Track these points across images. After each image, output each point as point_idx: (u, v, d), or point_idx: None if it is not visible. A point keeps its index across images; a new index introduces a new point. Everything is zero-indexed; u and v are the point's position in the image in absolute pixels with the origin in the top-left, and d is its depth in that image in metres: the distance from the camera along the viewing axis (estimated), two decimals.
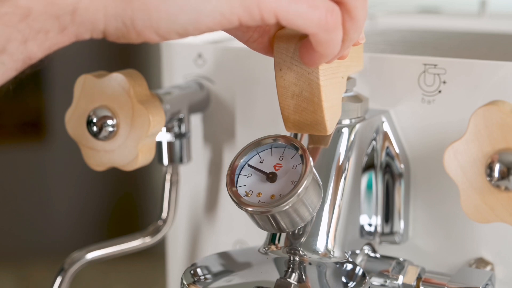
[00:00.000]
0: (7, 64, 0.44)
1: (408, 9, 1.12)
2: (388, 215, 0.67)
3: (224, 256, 0.63)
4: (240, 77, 0.73)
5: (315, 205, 0.56)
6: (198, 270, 0.60)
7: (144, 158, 0.66)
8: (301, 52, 0.53)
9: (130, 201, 2.39)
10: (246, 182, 0.57)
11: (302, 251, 0.59)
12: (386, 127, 0.66)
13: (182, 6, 0.46)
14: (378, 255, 0.66)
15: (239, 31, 0.54)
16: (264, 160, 0.57)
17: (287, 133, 0.62)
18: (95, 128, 0.65)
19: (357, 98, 0.62)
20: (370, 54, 0.67)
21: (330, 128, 0.58)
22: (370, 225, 0.66)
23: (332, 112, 0.58)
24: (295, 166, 0.56)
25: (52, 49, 0.46)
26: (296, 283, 0.56)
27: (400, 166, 0.66)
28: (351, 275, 0.59)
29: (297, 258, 0.58)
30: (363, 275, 0.58)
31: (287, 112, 0.58)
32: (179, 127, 0.72)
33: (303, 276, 0.57)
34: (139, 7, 0.46)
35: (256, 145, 0.58)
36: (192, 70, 0.76)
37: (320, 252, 0.59)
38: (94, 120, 0.65)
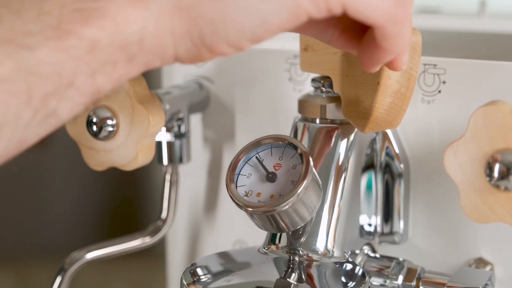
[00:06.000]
0: (75, 98, 0.42)
1: None
2: (387, 215, 0.67)
3: (224, 256, 0.63)
4: (240, 77, 0.73)
5: (315, 205, 0.56)
6: (198, 270, 0.60)
7: (143, 158, 0.66)
8: (362, 53, 0.51)
9: (129, 201, 2.39)
10: (246, 182, 0.57)
11: (302, 251, 0.59)
12: None
13: (245, 10, 0.44)
14: (377, 255, 0.66)
15: (320, 31, 0.53)
16: (264, 160, 0.57)
17: (287, 133, 0.62)
18: (95, 128, 0.65)
19: None
20: None
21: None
22: (369, 225, 0.66)
23: None
24: (294, 166, 0.56)
25: (120, 80, 0.44)
26: (295, 283, 0.56)
27: (399, 166, 0.66)
28: (350, 275, 0.59)
29: (296, 258, 0.58)
30: (363, 275, 0.58)
31: (378, 112, 0.57)
32: (179, 127, 0.72)
33: (303, 276, 0.57)
34: (204, 22, 0.44)
35: (255, 145, 0.58)
36: (192, 70, 0.76)
37: (319, 252, 0.59)
38: (94, 120, 0.65)
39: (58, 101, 0.42)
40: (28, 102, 0.41)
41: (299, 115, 0.63)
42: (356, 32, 0.52)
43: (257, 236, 0.65)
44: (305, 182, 0.55)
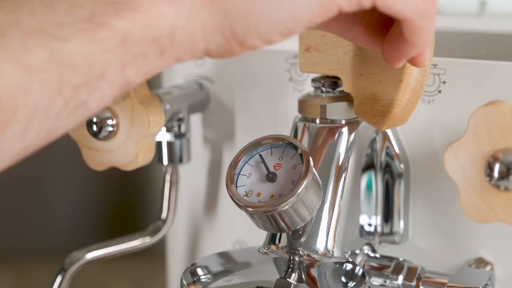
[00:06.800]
0: (105, 91, 0.42)
1: None
2: (387, 215, 0.67)
3: (224, 256, 0.63)
4: (240, 77, 0.73)
5: (315, 205, 0.56)
6: (198, 270, 0.60)
7: (143, 158, 0.66)
8: (388, 48, 0.51)
9: (130, 201, 2.39)
10: (246, 182, 0.57)
11: (302, 251, 0.59)
12: None
13: (277, 3, 0.44)
14: (377, 255, 0.66)
15: (344, 28, 0.53)
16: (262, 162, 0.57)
17: (287, 133, 0.62)
18: (95, 128, 0.65)
19: None
20: None
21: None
22: (370, 225, 0.66)
23: None
24: (295, 166, 0.56)
25: (150, 73, 0.44)
26: (295, 283, 0.56)
27: (400, 166, 0.66)
28: (350, 275, 0.59)
29: (296, 258, 0.58)
30: (363, 275, 0.58)
31: (397, 109, 0.58)
32: (179, 127, 0.72)
33: (303, 276, 0.57)
34: (236, 15, 0.44)
35: (256, 145, 0.58)
36: (192, 70, 0.76)
37: (320, 252, 0.59)
38: (94, 120, 0.65)
39: (88, 93, 0.42)
40: (59, 92, 0.41)
41: (299, 115, 0.63)
42: (379, 29, 0.52)
43: (257, 236, 0.65)
44: (305, 182, 0.55)
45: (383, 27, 0.52)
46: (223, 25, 0.44)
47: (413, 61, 0.52)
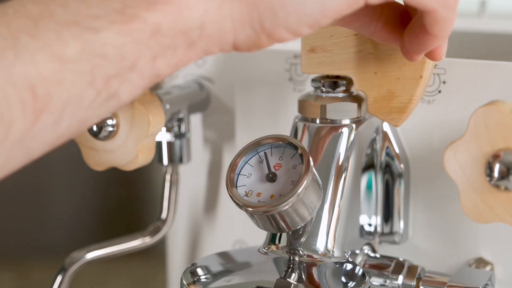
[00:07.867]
0: (135, 82, 0.43)
1: None
2: (387, 215, 0.67)
3: (224, 256, 0.63)
4: (240, 77, 0.73)
5: (315, 205, 0.56)
6: (198, 270, 0.60)
7: (143, 158, 0.66)
8: (409, 41, 0.52)
9: (129, 201, 2.39)
10: (246, 182, 0.57)
11: (302, 251, 0.59)
12: (386, 127, 0.66)
13: None
14: (377, 255, 0.66)
15: (363, 24, 0.53)
16: (264, 160, 0.57)
17: (287, 133, 0.62)
18: (95, 128, 0.65)
19: (357, 98, 0.62)
20: None
21: None
22: (370, 225, 0.66)
23: None
24: (295, 166, 0.56)
25: (179, 65, 0.45)
26: (295, 283, 0.56)
27: (400, 166, 0.66)
28: (350, 275, 0.59)
29: (297, 258, 0.58)
30: (363, 275, 0.58)
31: (414, 104, 0.59)
32: (179, 127, 0.72)
33: (303, 276, 0.57)
34: (265, 8, 0.45)
35: (256, 145, 0.58)
36: (192, 70, 0.76)
37: (320, 252, 0.59)
38: None
39: (119, 83, 0.42)
40: (91, 83, 0.41)
41: (299, 115, 0.63)
42: (397, 25, 0.53)
43: (257, 236, 0.65)
44: (305, 182, 0.55)
45: (400, 23, 0.53)
46: (252, 17, 0.45)
47: (431, 54, 0.53)
